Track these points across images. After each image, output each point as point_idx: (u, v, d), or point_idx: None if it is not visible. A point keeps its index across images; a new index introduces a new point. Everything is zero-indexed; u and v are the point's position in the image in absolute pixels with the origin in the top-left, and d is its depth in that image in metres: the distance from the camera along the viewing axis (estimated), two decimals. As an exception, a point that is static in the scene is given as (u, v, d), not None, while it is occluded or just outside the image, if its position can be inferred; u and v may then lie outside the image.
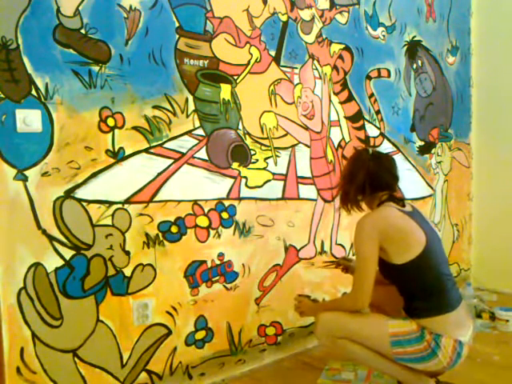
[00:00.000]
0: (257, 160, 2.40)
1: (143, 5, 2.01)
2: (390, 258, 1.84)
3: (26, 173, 1.75)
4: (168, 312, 2.12)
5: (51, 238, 1.81)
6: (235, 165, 2.32)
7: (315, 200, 2.68)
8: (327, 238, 2.76)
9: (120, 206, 1.97)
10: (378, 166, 1.94)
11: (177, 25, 2.11)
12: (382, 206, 1.91)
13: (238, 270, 2.35)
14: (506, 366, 2.35)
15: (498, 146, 3.61)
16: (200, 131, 2.20)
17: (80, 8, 1.85)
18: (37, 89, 1.76)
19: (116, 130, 1.95)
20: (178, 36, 2.12)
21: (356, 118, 2.88)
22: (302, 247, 2.64)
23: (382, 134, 3.03)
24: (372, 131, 2.97)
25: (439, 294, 1.85)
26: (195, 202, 2.19)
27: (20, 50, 1.72)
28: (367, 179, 1.91)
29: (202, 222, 2.21)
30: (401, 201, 1.94)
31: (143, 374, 2.06)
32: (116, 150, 1.95)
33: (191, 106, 2.17)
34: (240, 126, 2.33)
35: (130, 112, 1.99)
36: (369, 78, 2.94)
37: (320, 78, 2.69)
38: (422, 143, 3.37)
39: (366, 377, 2.21)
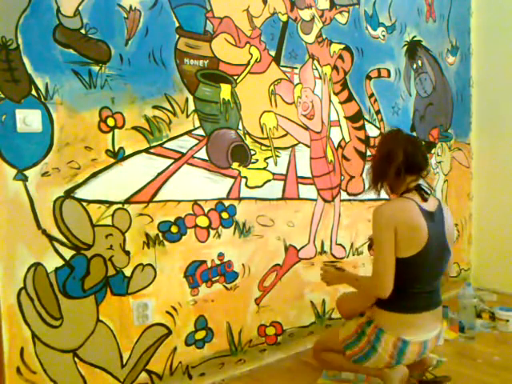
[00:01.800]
0: (257, 160, 2.40)
1: (143, 5, 2.01)
2: None
3: (26, 173, 1.75)
4: (168, 312, 2.12)
5: (51, 238, 1.81)
6: (235, 165, 2.32)
7: (315, 200, 2.68)
8: (327, 238, 2.76)
9: (120, 206, 1.97)
10: (414, 147, 1.95)
11: (177, 25, 2.11)
12: (403, 196, 1.90)
13: (237, 270, 2.35)
14: (506, 366, 2.35)
15: (498, 146, 3.60)
16: (200, 131, 2.20)
17: (80, 8, 1.85)
18: (37, 89, 1.76)
19: (116, 130, 1.95)
20: (178, 36, 2.12)
21: (356, 117, 2.88)
22: (302, 247, 2.64)
23: (382, 134, 3.03)
24: (372, 131, 2.97)
25: (409, 296, 1.87)
26: (195, 202, 2.19)
27: (20, 50, 1.72)
28: (404, 159, 1.89)
29: (202, 222, 2.21)
30: (426, 192, 1.91)
31: (143, 374, 2.06)
32: (116, 149, 1.95)
33: (191, 106, 2.17)
34: (240, 126, 2.33)
35: (130, 112, 1.99)
36: (369, 78, 2.94)
37: (320, 78, 2.69)
38: (422, 143, 3.37)
39: (366, 377, 2.20)
